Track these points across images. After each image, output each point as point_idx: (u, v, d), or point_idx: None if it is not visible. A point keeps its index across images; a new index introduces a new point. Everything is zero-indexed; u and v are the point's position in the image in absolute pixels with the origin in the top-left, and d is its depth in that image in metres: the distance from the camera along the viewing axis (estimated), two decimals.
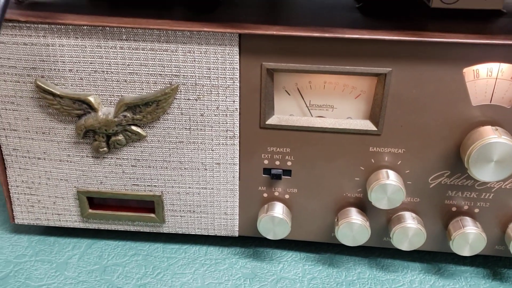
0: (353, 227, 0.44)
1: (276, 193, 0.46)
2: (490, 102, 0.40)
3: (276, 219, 0.44)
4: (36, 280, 0.45)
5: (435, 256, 0.49)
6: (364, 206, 0.45)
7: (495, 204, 0.44)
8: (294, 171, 0.45)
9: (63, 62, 0.41)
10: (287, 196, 0.46)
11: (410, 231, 0.44)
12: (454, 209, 0.45)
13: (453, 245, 0.44)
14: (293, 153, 0.44)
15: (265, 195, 0.46)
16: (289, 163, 0.44)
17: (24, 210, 0.48)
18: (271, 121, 0.43)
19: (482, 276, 0.47)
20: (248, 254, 0.49)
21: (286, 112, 0.43)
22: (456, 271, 0.48)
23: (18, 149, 0.45)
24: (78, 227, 0.49)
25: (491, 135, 0.39)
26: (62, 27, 0.40)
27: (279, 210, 0.45)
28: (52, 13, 0.41)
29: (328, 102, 0.43)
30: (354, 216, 0.44)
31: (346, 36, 0.38)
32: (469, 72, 0.39)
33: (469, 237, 0.43)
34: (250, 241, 0.50)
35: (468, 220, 0.44)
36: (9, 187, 0.47)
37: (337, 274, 0.47)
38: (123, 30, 0.39)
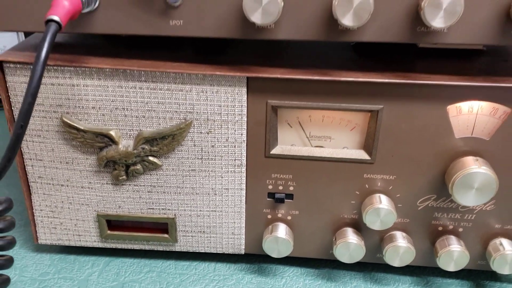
0: (350, 246, 0.48)
1: (280, 215, 0.50)
2: (472, 134, 0.45)
3: (280, 239, 0.49)
4: None
5: (424, 270, 0.54)
6: (359, 226, 0.50)
7: (477, 224, 0.49)
8: (296, 195, 0.49)
9: (87, 100, 0.45)
10: (289, 218, 0.50)
11: (401, 249, 0.48)
12: (440, 228, 0.49)
13: (439, 262, 0.49)
14: (295, 179, 0.49)
15: (269, 216, 0.51)
16: (291, 188, 0.49)
17: (47, 231, 0.53)
18: (275, 151, 0.47)
19: (467, 287, 0.52)
20: (253, 270, 0.53)
21: (289, 142, 0.48)
22: (442, 284, 0.52)
23: (43, 177, 0.50)
24: (97, 246, 0.53)
25: (472, 166, 0.43)
26: (87, 69, 0.44)
27: (282, 231, 0.49)
28: (77, 56, 0.45)
29: (326, 133, 0.47)
30: (351, 236, 0.49)
31: (342, 79, 0.43)
32: (452, 108, 0.44)
33: (454, 254, 0.48)
34: (255, 258, 0.55)
35: (453, 239, 0.49)
36: (34, 210, 0.51)
37: None
38: (142, 73, 0.44)
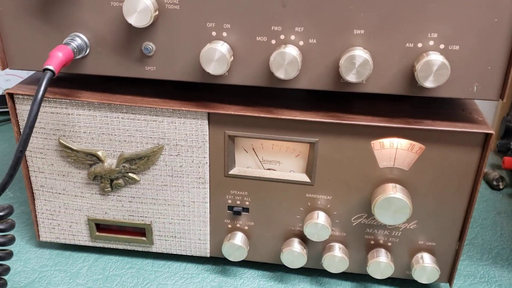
0: (293, 254, 0.58)
1: (238, 225, 0.60)
2: (394, 165, 0.54)
3: (236, 246, 0.59)
4: (55, 285, 0.60)
5: (364, 277, 0.63)
6: (305, 237, 0.59)
7: (403, 240, 0.58)
8: (251, 209, 0.59)
9: (79, 126, 0.56)
10: (246, 228, 0.60)
11: (336, 259, 0.57)
12: (372, 242, 0.58)
13: (369, 270, 0.58)
14: (250, 195, 0.58)
15: (229, 226, 0.60)
16: (247, 203, 0.59)
17: (47, 231, 0.63)
18: (232, 171, 0.57)
19: None
20: (217, 271, 0.63)
21: (244, 165, 0.57)
22: None
23: (44, 186, 0.60)
24: (88, 245, 0.64)
25: (390, 191, 0.52)
26: (79, 102, 0.55)
27: (238, 239, 0.59)
28: (72, 90, 0.56)
29: (275, 158, 0.57)
30: (295, 245, 0.58)
31: (283, 117, 0.52)
32: (376, 143, 0.53)
33: (381, 265, 0.57)
34: (220, 261, 0.64)
35: (382, 252, 0.58)
36: (37, 213, 0.62)
37: None
38: (124, 106, 0.54)
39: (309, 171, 0.56)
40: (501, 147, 0.83)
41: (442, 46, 0.47)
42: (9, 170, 0.45)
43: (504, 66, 0.47)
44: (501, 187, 0.83)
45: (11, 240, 0.47)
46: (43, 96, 0.45)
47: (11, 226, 0.47)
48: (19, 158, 0.45)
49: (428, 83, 0.46)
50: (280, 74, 0.48)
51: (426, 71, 0.46)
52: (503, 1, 0.44)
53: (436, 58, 0.45)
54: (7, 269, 0.48)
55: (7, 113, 1.03)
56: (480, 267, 0.65)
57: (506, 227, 0.74)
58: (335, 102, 0.56)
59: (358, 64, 0.46)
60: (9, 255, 0.47)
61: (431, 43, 0.47)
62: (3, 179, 0.45)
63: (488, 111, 0.97)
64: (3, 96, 1.00)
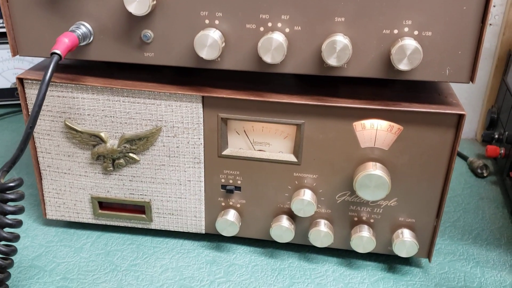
0: (282, 229, 0.62)
1: (231, 203, 0.64)
2: (374, 145, 0.58)
3: (228, 221, 0.63)
4: (60, 258, 0.64)
5: (350, 253, 0.67)
6: (293, 214, 0.63)
7: (385, 216, 0.62)
8: (243, 187, 0.63)
9: (84, 109, 0.60)
10: (238, 205, 0.64)
11: (321, 233, 0.62)
12: (355, 218, 0.63)
13: (352, 244, 0.62)
14: (242, 175, 0.62)
15: (223, 204, 0.65)
16: (239, 182, 0.63)
17: (54, 209, 0.68)
18: (225, 152, 0.61)
19: (381, 269, 0.65)
20: (212, 247, 0.67)
21: (237, 146, 0.62)
22: (362, 265, 0.65)
23: (51, 166, 0.65)
24: (91, 222, 0.68)
25: (370, 169, 0.57)
26: (84, 86, 0.59)
27: (231, 215, 0.63)
28: (77, 75, 0.60)
29: (265, 140, 0.61)
30: (283, 221, 0.62)
31: (272, 100, 0.57)
32: (358, 125, 0.57)
33: (363, 239, 0.61)
34: (214, 237, 0.69)
35: (364, 227, 0.62)
36: (43, 192, 0.67)
37: (273, 263, 0.65)
38: (125, 90, 0.59)
39: (296, 151, 0.60)
40: (485, 137, 0.87)
41: (416, 32, 0.51)
42: (19, 145, 0.50)
43: (473, 51, 0.51)
44: (485, 175, 0.87)
45: (19, 223, 0.51)
46: (51, 77, 0.50)
47: (21, 197, 0.51)
48: (29, 134, 0.50)
49: (403, 66, 0.50)
50: (267, 58, 0.52)
51: (401, 54, 0.50)
52: None
53: (409, 43, 0.49)
54: (14, 250, 0.52)
55: (14, 105, 1.07)
56: (460, 246, 0.69)
57: (488, 211, 0.78)
58: (321, 87, 0.60)
59: (338, 49, 0.50)
60: (16, 238, 0.51)
61: (406, 29, 0.51)
62: (14, 153, 0.50)
63: (475, 104, 1.01)
64: (11, 89, 1.05)
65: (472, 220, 0.76)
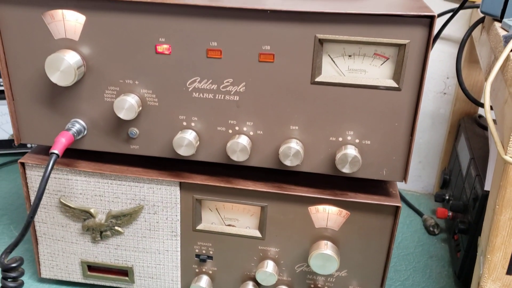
0: None
1: (203, 270, 0.74)
2: (327, 226, 0.68)
3: (201, 287, 0.72)
4: None
5: None
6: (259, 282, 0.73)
7: (337, 285, 0.71)
8: (215, 257, 0.72)
9: (76, 189, 0.70)
10: (210, 272, 0.74)
11: None
12: (312, 286, 0.72)
13: None
14: (214, 246, 0.72)
15: (196, 270, 0.74)
16: (211, 252, 0.72)
17: (48, 269, 0.76)
18: (199, 227, 0.71)
19: None
20: None
21: (209, 221, 0.71)
22: None
23: (46, 234, 0.74)
24: (81, 282, 0.77)
25: (322, 248, 0.66)
26: (77, 170, 0.68)
27: (203, 281, 0.72)
28: (71, 160, 0.70)
29: (235, 217, 0.70)
30: (250, 287, 0.72)
31: (239, 187, 0.66)
32: (312, 208, 0.67)
33: None
34: None
35: None
36: (39, 255, 0.76)
37: None
38: (112, 175, 0.68)
39: (261, 228, 0.70)
40: (437, 198, 0.97)
41: (357, 141, 0.61)
42: (21, 231, 0.59)
43: (405, 157, 0.61)
44: (436, 233, 0.97)
45: (21, 285, 0.60)
46: (49, 174, 0.59)
47: (21, 274, 0.60)
48: (29, 222, 0.59)
49: (345, 170, 0.60)
50: (234, 157, 0.62)
51: (343, 161, 0.60)
52: (401, 111, 0.59)
53: (350, 152, 0.59)
54: None
55: (12, 154, 1.16)
56: None
57: (435, 269, 0.88)
58: (282, 174, 0.70)
59: (291, 154, 0.60)
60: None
61: (349, 138, 0.61)
62: (16, 238, 0.59)
63: (433, 162, 1.11)
64: (9, 140, 1.13)
65: (420, 279, 0.85)
